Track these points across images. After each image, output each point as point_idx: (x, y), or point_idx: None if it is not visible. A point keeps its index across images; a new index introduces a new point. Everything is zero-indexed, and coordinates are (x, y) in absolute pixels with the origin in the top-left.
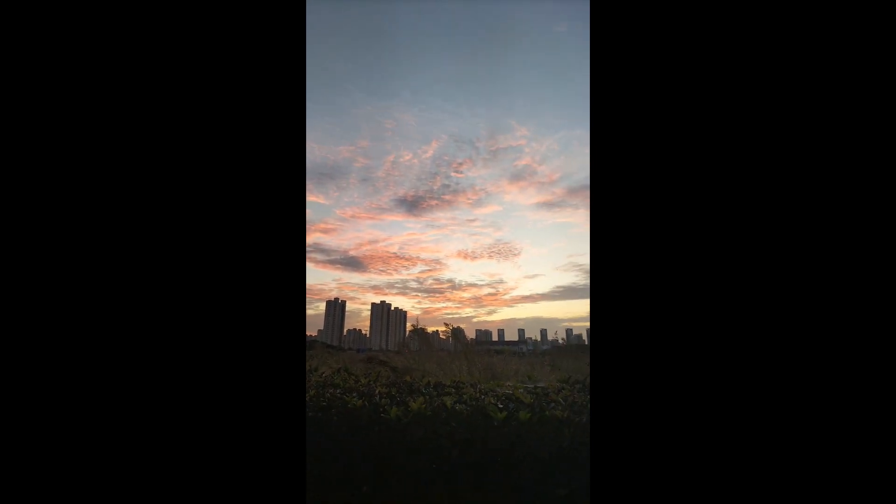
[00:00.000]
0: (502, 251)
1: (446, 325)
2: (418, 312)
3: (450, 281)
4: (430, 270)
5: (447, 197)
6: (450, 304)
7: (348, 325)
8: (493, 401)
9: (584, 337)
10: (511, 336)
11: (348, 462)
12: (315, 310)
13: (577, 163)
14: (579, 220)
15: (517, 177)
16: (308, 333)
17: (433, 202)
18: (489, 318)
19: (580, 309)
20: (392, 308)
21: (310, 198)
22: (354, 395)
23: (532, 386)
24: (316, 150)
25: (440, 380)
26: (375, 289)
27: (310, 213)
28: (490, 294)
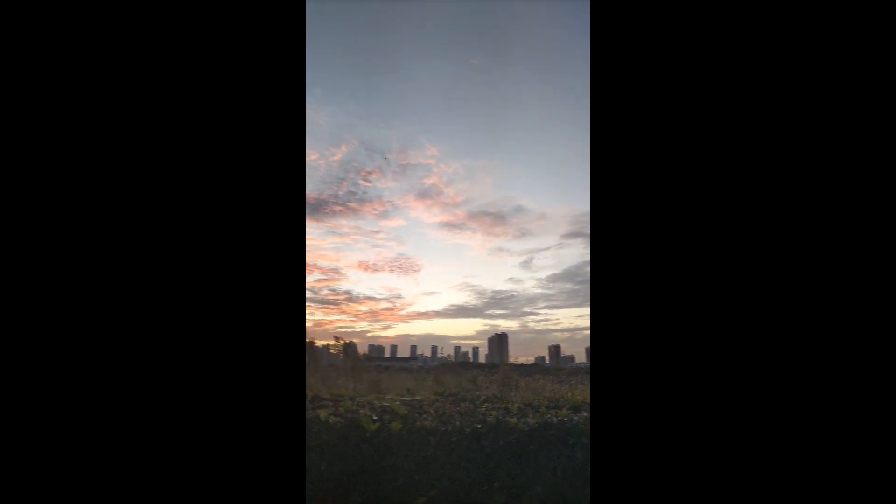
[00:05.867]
0: (403, 266)
1: (336, 339)
2: (309, 325)
3: (347, 292)
4: (326, 280)
5: (353, 204)
6: (345, 316)
7: None
8: (368, 413)
9: (470, 354)
10: (404, 352)
11: None
12: None
13: (479, 190)
14: (476, 244)
15: (424, 194)
16: None
17: (337, 208)
18: (384, 333)
19: (468, 327)
20: None
21: None
22: None
23: (409, 398)
24: None
25: (320, 394)
26: None
27: None
28: (387, 308)
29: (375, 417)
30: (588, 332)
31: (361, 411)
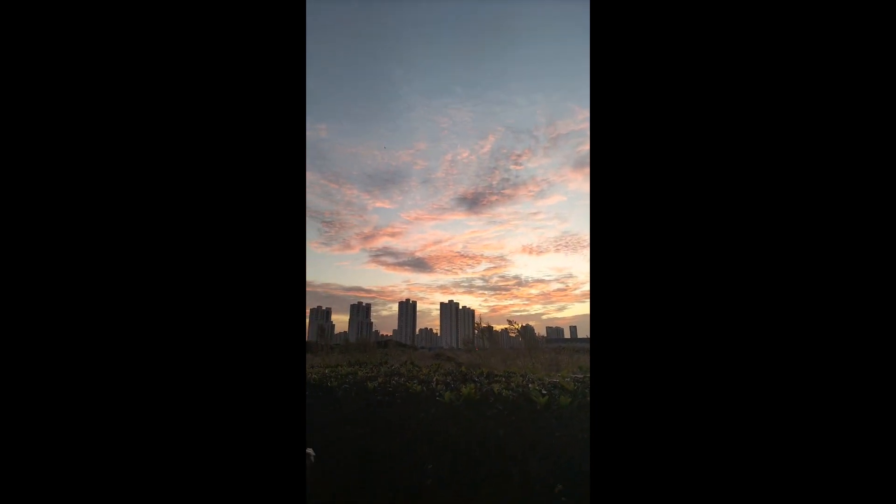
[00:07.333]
0: (570, 243)
1: (510, 322)
2: (485, 311)
3: (516, 278)
4: (494, 268)
5: (507, 191)
6: (517, 301)
7: (420, 324)
8: (537, 388)
9: None
10: (584, 333)
11: (411, 438)
12: (389, 311)
13: None
14: None
15: (581, 163)
16: (383, 333)
17: (493, 198)
18: (559, 315)
19: None
20: (460, 307)
21: (377, 203)
22: (415, 381)
23: (581, 376)
24: (378, 158)
25: (495, 371)
26: (443, 288)
27: (377, 219)
28: (559, 290)
29: (544, 392)
30: None
31: (531, 385)
